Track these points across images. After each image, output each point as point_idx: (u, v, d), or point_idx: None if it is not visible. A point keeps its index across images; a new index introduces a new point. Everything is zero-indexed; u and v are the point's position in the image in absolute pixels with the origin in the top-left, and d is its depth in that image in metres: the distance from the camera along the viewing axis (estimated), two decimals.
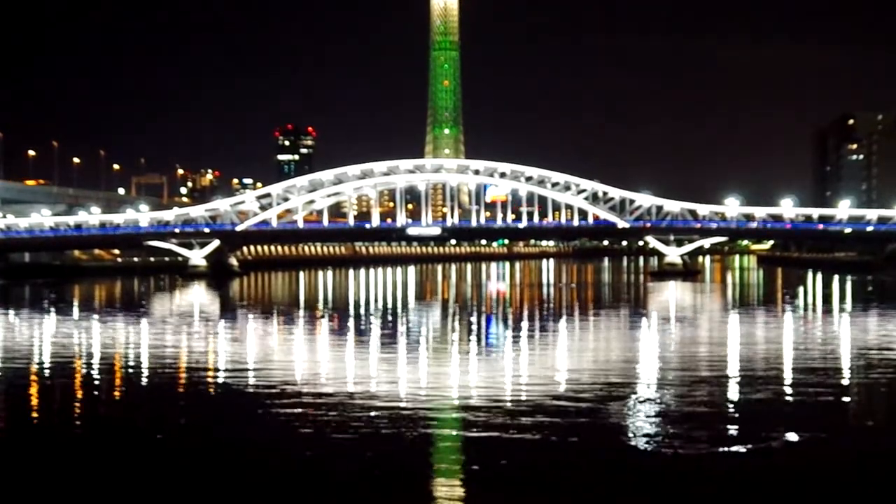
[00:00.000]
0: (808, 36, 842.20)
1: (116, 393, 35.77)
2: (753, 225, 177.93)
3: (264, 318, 71.93)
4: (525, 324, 64.83)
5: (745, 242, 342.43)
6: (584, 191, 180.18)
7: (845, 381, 36.99)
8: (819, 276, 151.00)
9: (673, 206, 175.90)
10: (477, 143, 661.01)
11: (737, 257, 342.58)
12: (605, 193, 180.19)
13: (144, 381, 38.64)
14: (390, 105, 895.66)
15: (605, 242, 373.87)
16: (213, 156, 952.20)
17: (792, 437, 25.87)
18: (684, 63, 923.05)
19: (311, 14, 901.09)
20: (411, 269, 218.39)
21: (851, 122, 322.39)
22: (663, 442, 25.27)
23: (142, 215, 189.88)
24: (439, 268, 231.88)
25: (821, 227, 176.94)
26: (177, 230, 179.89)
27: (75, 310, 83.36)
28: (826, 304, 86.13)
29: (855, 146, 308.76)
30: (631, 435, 26.33)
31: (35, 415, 31.45)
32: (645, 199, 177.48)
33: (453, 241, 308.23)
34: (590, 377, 36.92)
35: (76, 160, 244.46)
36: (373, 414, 29.14)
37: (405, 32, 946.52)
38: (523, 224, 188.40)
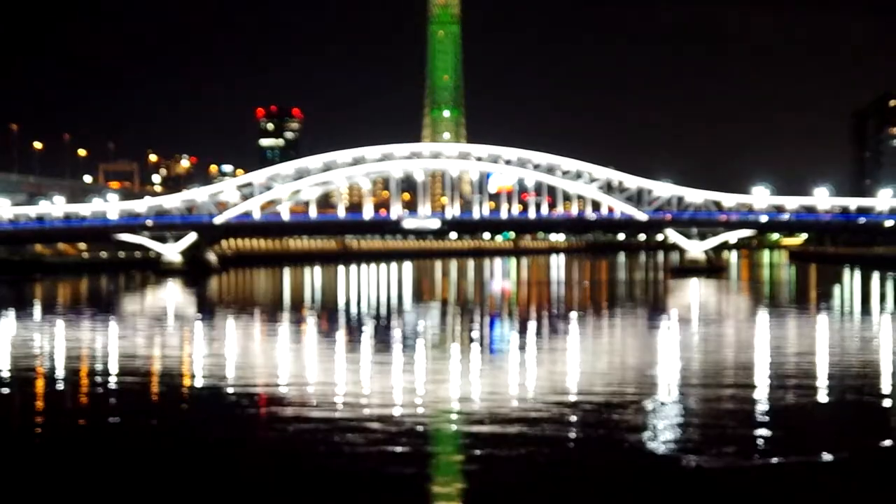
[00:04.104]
0: (845, 6, 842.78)
1: (80, 402, 35.75)
2: (784, 217, 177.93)
3: (245, 319, 71.97)
4: (533, 327, 64.86)
5: (775, 236, 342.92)
6: (597, 179, 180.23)
7: (885, 391, 37.00)
8: (857, 273, 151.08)
9: (695, 196, 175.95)
10: (480, 126, 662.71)
11: (766, 253, 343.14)
12: (620, 182, 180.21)
13: (111, 389, 38.63)
14: (384, 84, 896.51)
15: (621, 236, 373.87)
16: (189, 141, 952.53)
17: (825, 452, 25.89)
18: (707, 37, 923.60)
19: None
20: (407, 266, 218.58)
21: (893, 102, 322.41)
22: (683, 455, 25.30)
23: (110, 206, 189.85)
24: (438, 264, 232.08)
25: (859, 219, 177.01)
26: (149, 222, 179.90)
27: (36, 311, 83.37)
28: (865, 304, 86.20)
29: None
30: (648, 447, 26.37)
31: None
32: (665, 189, 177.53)
33: (453, 235, 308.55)
34: (604, 385, 36.96)
35: (38, 145, 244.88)
36: (363, 427, 29.15)
37: (401, 4, 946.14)
38: (531, 216, 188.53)
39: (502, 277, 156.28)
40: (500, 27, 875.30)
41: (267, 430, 29.23)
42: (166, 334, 60.16)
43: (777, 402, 33.43)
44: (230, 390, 37.08)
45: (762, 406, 33.01)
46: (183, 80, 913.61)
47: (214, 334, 61.21)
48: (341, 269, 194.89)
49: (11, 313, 78.26)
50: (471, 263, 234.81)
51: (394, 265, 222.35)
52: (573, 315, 73.92)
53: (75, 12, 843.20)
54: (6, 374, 42.39)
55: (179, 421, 31.77)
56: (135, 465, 25.45)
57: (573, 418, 30.45)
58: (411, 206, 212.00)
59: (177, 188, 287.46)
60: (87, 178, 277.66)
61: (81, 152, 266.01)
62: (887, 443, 27.79)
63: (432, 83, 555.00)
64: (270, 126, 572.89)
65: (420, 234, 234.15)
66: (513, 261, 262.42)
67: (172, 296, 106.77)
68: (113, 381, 40.44)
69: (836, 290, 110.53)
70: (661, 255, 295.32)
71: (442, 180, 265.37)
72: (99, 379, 41.76)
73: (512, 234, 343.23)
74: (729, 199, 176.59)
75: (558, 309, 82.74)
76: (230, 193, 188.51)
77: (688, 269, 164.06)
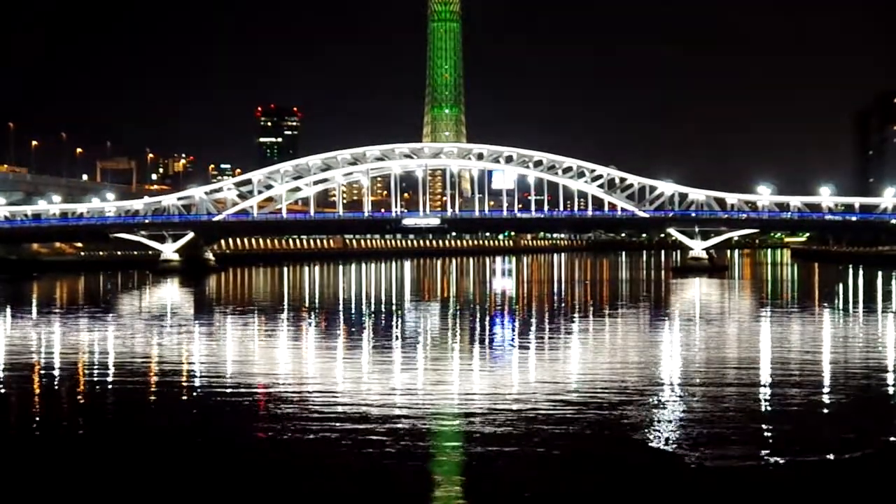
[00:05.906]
0: (848, 4, 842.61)
1: (77, 403, 35.68)
2: (787, 215, 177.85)
3: (244, 319, 71.91)
4: (534, 326, 64.81)
5: (778, 235, 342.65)
6: (599, 177, 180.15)
7: (889, 390, 36.96)
8: (861, 272, 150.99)
9: (698, 194, 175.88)
10: (480, 124, 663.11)
11: (769, 251, 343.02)
12: (622, 180, 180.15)
13: (108, 390, 38.57)
14: (384, 82, 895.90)
15: (623, 235, 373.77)
16: (187, 138, 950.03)
17: (827, 451, 25.84)
18: (710, 35, 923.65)
19: None
20: (407, 265, 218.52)
21: None
22: (686, 453, 25.25)
23: (108, 204, 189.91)
24: (438, 263, 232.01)
25: (862, 217, 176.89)
26: (147, 221, 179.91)
27: (33, 309, 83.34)
28: (868, 303, 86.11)
29: None
30: (651, 447, 26.31)
31: None
32: (667, 187, 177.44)
33: (454, 234, 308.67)
34: (606, 385, 36.88)
35: (35, 143, 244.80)
36: (363, 426, 29.08)
37: (401, 1, 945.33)
38: (531, 214, 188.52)
39: (503, 276, 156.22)
40: (501, 25, 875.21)
41: (265, 429, 29.16)
42: (164, 333, 60.08)
43: (780, 401, 33.37)
44: (227, 389, 37.00)
45: (765, 404, 32.96)
46: (181, 78, 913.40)
47: (212, 333, 61.14)
48: (341, 268, 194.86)
49: (8, 312, 78.25)
50: (471, 262, 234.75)
51: (394, 264, 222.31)
52: (574, 314, 73.85)
53: (73, 11, 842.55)
54: (2, 373, 42.31)
55: (177, 419, 31.68)
56: (133, 464, 25.39)
57: (575, 417, 30.37)
58: (411, 205, 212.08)
59: (175, 187, 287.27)
60: (85, 177, 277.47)
61: (79, 150, 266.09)
62: (892, 440, 27.74)
63: (433, 81, 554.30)
64: (269, 124, 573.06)
65: (420, 232, 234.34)
66: (513, 260, 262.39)
67: (170, 294, 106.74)
68: (109, 380, 40.36)
69: (840, 288, 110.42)
70: (663, 254, 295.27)
71: (442, 178, 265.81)
72: (95, 377, 41.69)
73: (512, 233, 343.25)
74: (732, 198, 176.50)
75: (559, 308, 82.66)
76: (228, 192, 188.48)
77: (690, 267, 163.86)
